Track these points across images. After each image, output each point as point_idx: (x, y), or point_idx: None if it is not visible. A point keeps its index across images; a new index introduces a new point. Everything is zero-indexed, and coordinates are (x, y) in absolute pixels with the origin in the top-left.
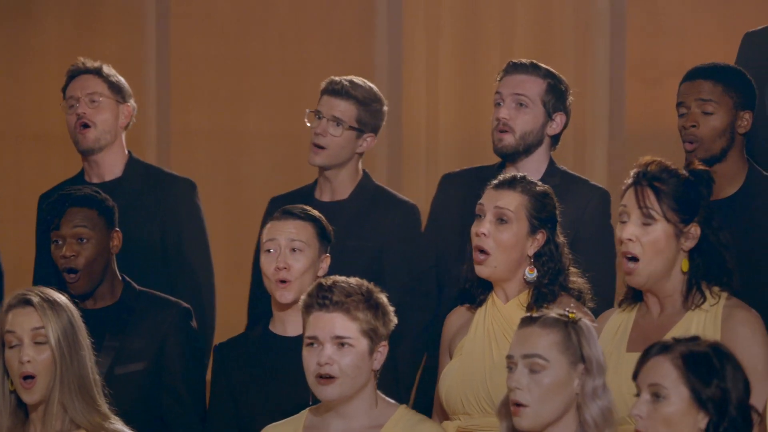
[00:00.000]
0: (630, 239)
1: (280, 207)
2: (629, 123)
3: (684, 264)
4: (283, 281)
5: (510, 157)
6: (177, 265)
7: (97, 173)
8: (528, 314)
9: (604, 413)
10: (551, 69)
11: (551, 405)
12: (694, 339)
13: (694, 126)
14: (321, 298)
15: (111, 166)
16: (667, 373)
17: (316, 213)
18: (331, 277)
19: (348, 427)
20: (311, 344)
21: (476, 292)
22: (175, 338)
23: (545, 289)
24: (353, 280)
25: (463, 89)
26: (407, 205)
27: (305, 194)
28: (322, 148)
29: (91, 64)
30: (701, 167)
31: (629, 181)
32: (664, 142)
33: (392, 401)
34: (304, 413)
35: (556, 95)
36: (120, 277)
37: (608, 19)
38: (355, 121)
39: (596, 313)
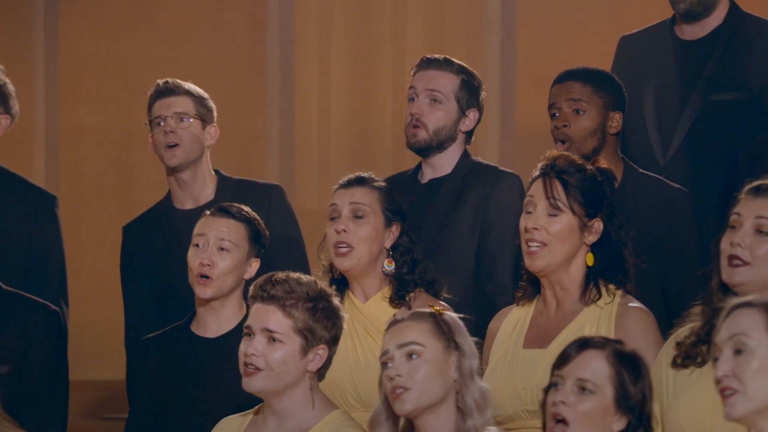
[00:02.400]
0: (535, 228)
1: (135, 231)
2: (520, 123)
3: (589, 258)
4: (204, 276)
5: (423, 152)
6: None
7: None
8: (394, 318)
9: (484, 395)
10: (465, 65)
11: (432, 387)
12: (620, 342)
13: (565, 126)
14: (262, 290)
15: None
16: (599, 368)
17: (252, 215)
18: (292, 273)
19: (281, 426)
20: (247, 334)
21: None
22: (41, 341)
23: (407, 277)
24: (306, 279)
25: (355, 87)
26: (274, 188)
27: (163, 210)
28: (176, 145)
29: None
30: (605, 165)
31: (536, 173)
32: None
33: (333, 405)
34: (256, 408)
35: (470, 91)
36: None
37: (499, 19)
38: (195, 111)
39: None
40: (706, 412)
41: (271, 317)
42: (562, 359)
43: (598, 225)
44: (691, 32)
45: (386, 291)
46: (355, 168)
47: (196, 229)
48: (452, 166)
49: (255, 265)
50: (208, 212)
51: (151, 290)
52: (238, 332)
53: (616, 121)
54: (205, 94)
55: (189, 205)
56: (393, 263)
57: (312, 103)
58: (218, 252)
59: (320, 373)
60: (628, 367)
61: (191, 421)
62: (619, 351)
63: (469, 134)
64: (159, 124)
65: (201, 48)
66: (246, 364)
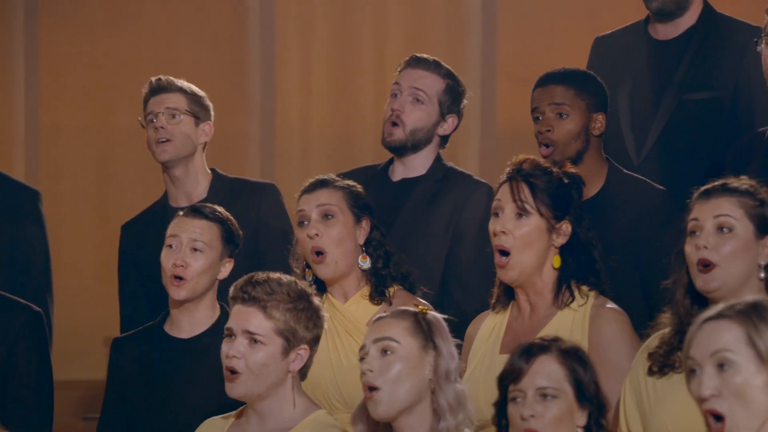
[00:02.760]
0: (503, 231)
1: (133, 231)
2: (500, 122)
3: (555, 260)
4: (178, 278)
5: (398, 151)
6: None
7: None
8: (378, 315)
9: (458, 397)
10: (452, 70)
11: (404, 387)
12: (558, 339)
13: (549, 130)
14: (243, 291)
15: None
16: (554, 372)
17: (225, 215)
18: (272, 273)
19: (262, 426)
20: (229, 335)
21: None
22: (24, 343)
23: (383, 272)
24: (287, 279)
25: (336, 87)
26: (267, 186)
27: (159, 209)
28: (166, 141)
29: None
30: (573, 170)
31: (504, 177)
32: (534, 141)
33: (315, 405)
34: (238, 410)
35: (453, 96)
36: None
37: (480, 19)
38: (188, 108)
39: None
40: (691, 413)
41: (252, 319)
42: (515, 373)
43: (566, 227)
44: (665, 32)
45: (365, 290)
46: (337, 167)
47: (169, 230)
48: (425, 167)
49: (228, 265)
50: (181, 213)
51: (145, 290)
52: (212, 333)
53: (599, 122)
54: (201, 92)
55: (183, 203)
56: (368, 259)
57: (293, 102)
58: (191, 253)
59: (302, 373)
60: (577, 361)
61: (165, 421)
62: (564, 349)
63: (444, 139)
64: (151, 120)
65: (182, 48)
66: (227, 368)
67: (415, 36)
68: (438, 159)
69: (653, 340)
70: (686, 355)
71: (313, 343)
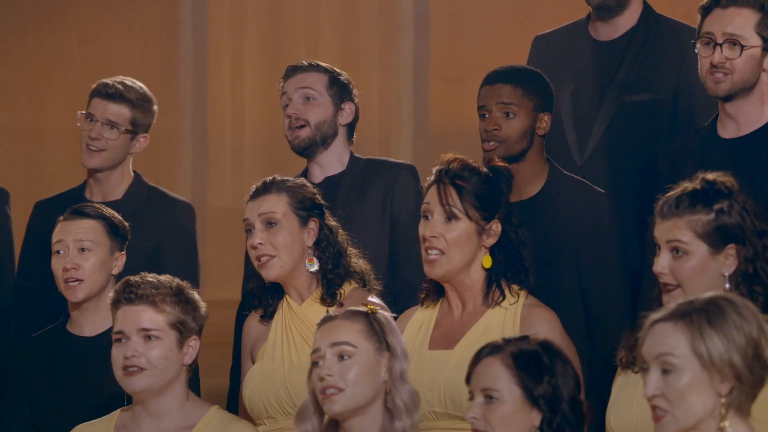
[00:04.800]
0: (434, 236)
1: (46, 211)
2: (433, 121)
3: (485, 260)
4: (73, 281)
5: (308, 151)
6: None
7: None
8: (327, 314)
9: (413, 397)
10: (330, 66)
11: (362, 388)
12: (524, 338)
13: (495, 129)
14: (127, 292)
15: None
16: (498, 374)
17: (108, 211)
18: (143, 274)
19: (159, 426)
20: (119, 339)
21: (266, 302)
22: None
23: (331, 274)
24: (163, 277)
25: (268, 86)
26: (183, 203)
27: (74, 196)
28: (97, 150)
29: None
30: (501, 164)
31: (431, 178)
32: (467, 140)
33: (204, 401)
34: (116, 413)
35: (340, 86)
36: None
37: (412, 19)
38: (130, 123)
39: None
40: (633, 414)
41: (144, 316)
42: (467, 373)
43: (496, 227)
44: (606, 33)
45: (317, 292)
46: (269, 166)
47: (54, 237)
48: (342, 163)
49: (121, 259)
50: (61, 218)
51: (43, 269)
52: None
53: (544, 122)
54: (149, 99)
55: (97, 199)
56: (314, 261)
57: (225, 101)
58: (80, 254)
59: (191, 368)
60: (528, 364)
61: (72, 419)
62: (516, 352)
63: (350, 131)
64: (90, 120)
65: (112, 45)
66: (125, 367)
67: (347, 36)
68: (352, 154)
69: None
70: (639, 352)
71: (199, 334)
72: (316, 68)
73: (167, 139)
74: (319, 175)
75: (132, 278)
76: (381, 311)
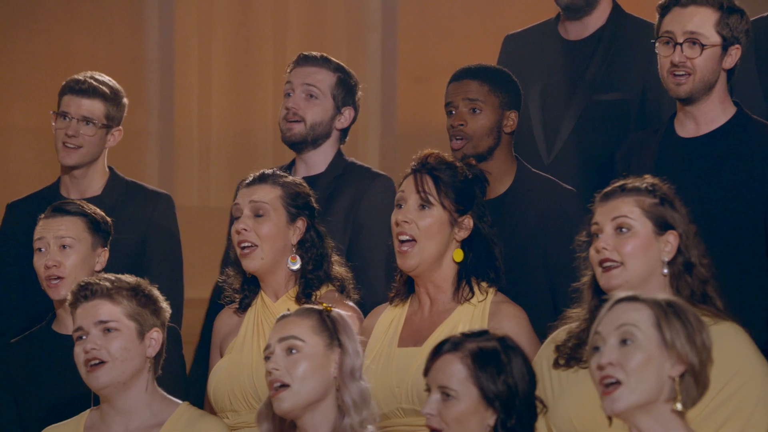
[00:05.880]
0: (406, 221)
1: (19, 212)
2: (401, 120)
3: (457, 254)
4: (54, 278)
5: (298, 146)
6: None
7: None
8: (283, 313)
9: (363, 394)
10: (342, 63)
11: (310, 384)
12: (483, 333)
13: (462, 124)
14: (83, 290)
15: None
16: (456, 373)
17: (89, 208)
18: (100, 274)
19: (128, 424)
20: (80, 337)
21: (243, 294)
22: None
23: (311, 275)
24: (123, 276)
25: (235, 85)
26: (163, 195)
27: (48, 195)
28: (75, 147)
29: None
30: (477, 167)
31: (408, 170)
32: (434, 138)
33: (174, 399)
34: (85, 413)
35: (346, 89)
36: None
37: (380, 17)
38: (105, 117)
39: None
40: (594, 406)
41: (101, 309)
42: (426, 366)
43: (468, 221)
44: (575, 32)
45: (293, 290)
46: (236, 165)
47: (35, 235)
48: (325, 164)
49: (104, 255)
50: (42, 216)
51: (20, 270)
52: None
53: (511, 120)
54: (120, 93)
55: (74, 196)
56: (297, 260)
57: (192, 100)
58: (61, 251)
59: (156, 362)
60: (486, 363)
61: (60, 418)
62: (474, 350)
63: (344, 133)
64: (64, 118)
65: (78, 43)
66: (87, 361)
67: (315, 34)
68: (339, 154)
69: (560, 333)
70: (594, 331)
71: (162, 327)
72: (327, 65)
73: (134, 137)
74: (302, 171)
75: (87, 278)
76: (336, 310)
